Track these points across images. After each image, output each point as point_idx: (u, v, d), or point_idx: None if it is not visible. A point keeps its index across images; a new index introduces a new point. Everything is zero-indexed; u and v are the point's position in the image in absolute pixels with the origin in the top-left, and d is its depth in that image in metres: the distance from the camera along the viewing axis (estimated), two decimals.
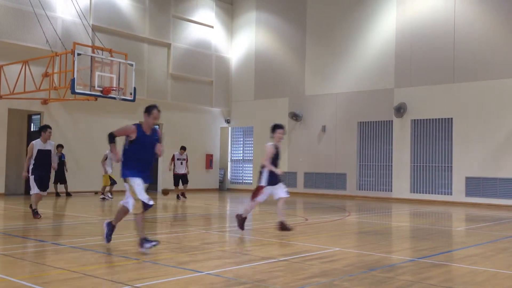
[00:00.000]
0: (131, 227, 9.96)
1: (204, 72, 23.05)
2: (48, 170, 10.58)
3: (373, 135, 19.86)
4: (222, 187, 23.99)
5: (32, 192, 10.44)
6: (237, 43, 24.18)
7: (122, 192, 7.90)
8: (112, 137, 6.71)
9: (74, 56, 14.33)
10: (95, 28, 18.72)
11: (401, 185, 18.90)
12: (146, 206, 6.63)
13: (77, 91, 14.46)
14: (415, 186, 18.65)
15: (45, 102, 17.49)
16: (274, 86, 22.74)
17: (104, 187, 16.57)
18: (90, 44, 17.40)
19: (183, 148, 17.57)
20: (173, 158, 17.41)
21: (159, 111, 7.01)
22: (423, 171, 18.53)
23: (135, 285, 4.89)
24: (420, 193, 18.49)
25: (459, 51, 17.83)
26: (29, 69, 16.11)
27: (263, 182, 8.82)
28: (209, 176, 23.53)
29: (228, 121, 24.26)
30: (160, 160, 21.50)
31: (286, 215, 12.87)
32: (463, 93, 17.71)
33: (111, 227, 7.17)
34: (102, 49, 15.74)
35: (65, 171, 17.57)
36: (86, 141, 18.95)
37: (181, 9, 22.21)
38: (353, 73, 20.36)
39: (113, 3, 19.68)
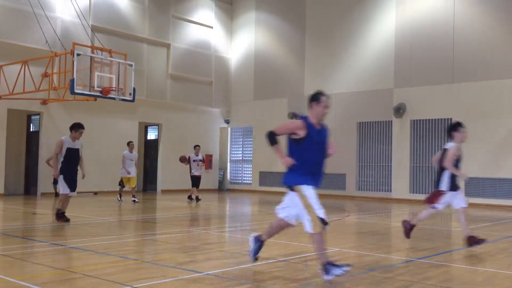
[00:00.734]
0: (129, 227, 9.97)
1: (203, 72, 23.04)
2: (77, 170, 10.06)
3: (373, 135, 19.86)
4: (222, 188, 23.98)
5: (61, 192, 9.92)
6: (237, 44, 24.18)
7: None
8: (273, 137, 5.40)
9: (73, 56, 14.32)
10: (94, 28, 18.71)
11: (401, 186, 18.90)
12: (324, 223, 5.41)
13: (76, 91, 14.46)
14: (414, 187, 18.65)
15: (44, 102, 17.48)
16: (274, 87, 22.74)
17: (124, 189, 16.24)
18: (89, 44, 17.39)
19: (197, 147, 17.12)
20: (188, 160, 16.81)
21: (328, 97, 5.55)
22: (422, 171, 18.53)
23: (134, 286, 4.89)
24: (419, 193, 18.48)
25: (458, 51, 17.84)
26: (29, 69, 16.10)
27: (444, 186, 7.76)
28: (208, 177, 23.50)
29: (227, 122, 24.25)
30: (159, 159, 21.52)
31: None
32: (462, 94, 17.72)
33: (259, 244, 5.92)
34: (101, 49, 15.74)
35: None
36: (85, 142, 18.74)
37: (180, 9, 22.21)
38: (353, 73, 20.36)
39: (112, 3, 19.68)
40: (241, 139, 24.12)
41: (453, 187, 7.76)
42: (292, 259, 6.51)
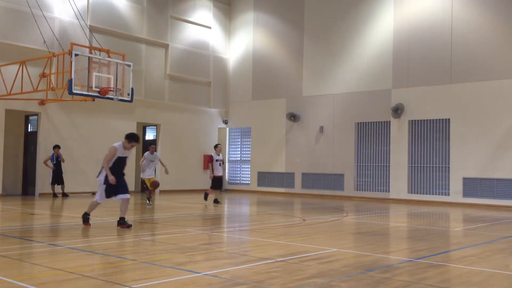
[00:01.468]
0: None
1: (202, 72, 23.04)
2: (121, 178, 9.40)
3: (371, 136, 19.88)
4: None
5: (98, 199, 9.43)
6: (235, 44, 24.18)
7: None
8: None
9: (71, 56, 14.32)
10: (92, 29, 18.70)
11: (399, 186, 18.92)
12: None
13: (74, 91, 14.45)
14: (412, 187, 18.67)
15: (42, 102, 17.47)
16: (272, 87, 22.75)
17: (149, 191, 14.90)
18: (87, 44, 17.39)
19: (219, 146, 16.02)
20: (211, 160, 15.66)
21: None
22: (420, 171, 18.56)
23: (132, 286, 4.89)
24: (417, 193, 18.51)
25: (456, 52, 17.87)
26: (27, 70, 16.09)
27: None
28: (206, 177, 23.46)
29: (225, 122, 24.25)
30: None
31: (284, 216, 12.89)
32: (460, 94, 17.75)
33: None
34: (99, 50, 15.73)
35: (62, 171, 17.54)
36: (83, 142, 18.93)
37: (178, 9, 22.20)
38: (351, 74, 20.38)
39: (110, 3, 19.67)
40: (239, 140, 24.13)
41: None
42: (289, 259, 6.51)
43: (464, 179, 17.48)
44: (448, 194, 17.82)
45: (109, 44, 18.33)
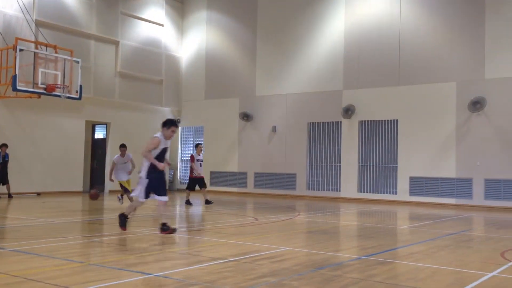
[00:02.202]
0: (74, 229, 9.65)
1: (153, 70, 22.70)
2: (164, 174, 8.62)
3: (323, 136, 20.20)
4: (172, 187, 23.70)
5: (136, 196, 8.43)
6: (188, 42, 23.97)
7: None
8: None
9: (16, 51, 13.78)
10: (38, 23, 18.03)
11: (349, 185, 19.32)
12: None
13: (18, 88, 13.93)
14: (362, 186, 19.12)
15: None
16: (225, 86, 22.70)
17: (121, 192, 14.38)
18: (33, 39, 16.75)
19: (200, 145, 15.68)
20: (192, 159, 15.27)
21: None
22: (369, 171, 19.03)
23: None
24: (367, 192, 18.98)
25: (403, 55, 18.44)
26: None
27: None
28: None
29: (178, 121, 24.00)
30: (107, 159, 21.01)
31: (236, 215, 12.88)
32: (407, 96, 18.32)
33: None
34: (46, 45, 15.22)
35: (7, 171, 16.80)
36: (28, 141, 18.21)
37: (129, 6, 21.77)
38: (303, 74, 20.63)
39: None
40: (192, 139, 23.93)
41: None
42: (242, 259, 6.50)
43: (411, 178, 18.07)
44: (396, 193, 18.35)
45: (56, 40, 17.74)
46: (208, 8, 23.39)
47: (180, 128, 24.06)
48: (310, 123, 20.43)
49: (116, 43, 21.17)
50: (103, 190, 20.68)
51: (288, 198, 19.79)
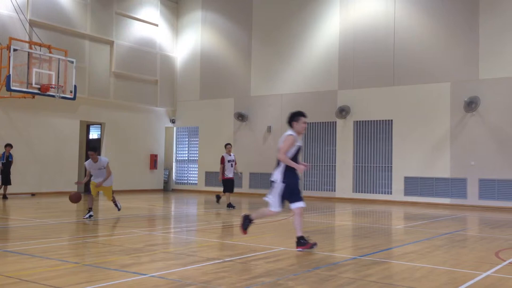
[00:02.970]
0: (69, 230, 9.62)
1: (148, 71, 22.65)
2: (299, 178, 7.46)
3: (318, 136, 20.22)
4: (167, 188, 23.66)
5: (273, 209, 7.30)
6: (183, 42, 23.93)
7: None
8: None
9: (9, 51, 13.72)
10: (33, 23, 17.95)
11: (344, 185, 19.36)
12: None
13: (12, 88, 13.87)
14: (357, 186, 19.16)
15: None
16: (220, 86, 22.68)
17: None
18: (27, 39, 16.68)
19: (229, 146, 14.93)
20: (222, 161, 14.59)
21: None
22: (364, 171, 19.06)
23: None
24: (362, 192, 19.01)
25: (398, 55, 18.50)
26: None
27: None
28: (153, 177, 23.15)
29: (173, 121, 23.96)
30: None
31: (232, 215, 12.87)
32: (402, 96, 18.38)
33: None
34: (40, 45, 15.16)
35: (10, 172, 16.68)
36: (22, 141, 18.11)
37: (124, 6, 21.71)
38: (298, 75, 20.65)
39: None
40: (187, 139, 23.91)
41: None
42: (237, 259, 6.50)
43: (406, 178, 18.12)
44: (391, 193, 18.40)
45: (51, 40, 17.67)
46: (203, 8, 23.36)
47: (174, 128, 24.02)
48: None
49: (111, 43, 21.11)
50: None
51: None
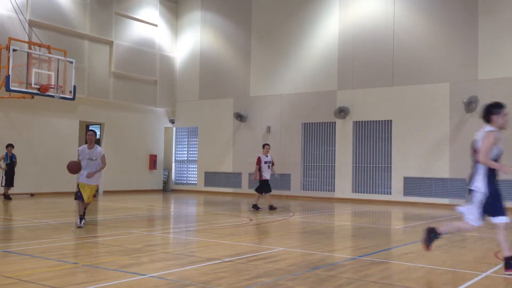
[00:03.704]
0: (68, 230, 9.62)
1: (148, 71, 22.65)
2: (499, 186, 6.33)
3: (317, 136, 20.22)
4: (166, 188, 23.66)
5: (472, 222, 6.17)
6: (182, 43, 23.93)
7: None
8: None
9: (9, 51, 13.71)
10: (32, 23, 17.95)
11: (343, 185, 19.35)
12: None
13: (12, 88, 13.85)
14: (356, 186, 19.15)
15: None
16: (219, 87, 22.68)
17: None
18: (26, 39, 16.67)
19: (267, 146, 14.31)
20: (259, 162, 14.07)
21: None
22: (364, 171, 19.06)
23: None
24: (361, 192, 19.01)
25: (397, 55, 18.50)
26: None
27: None
28: (152, 177, 23.14)
29: (172, 121, 23.96)
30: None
31: (231, 216, 12.87)
32: (401, 96, 18.38)
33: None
34: (39, 45, 15.15)
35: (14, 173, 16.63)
36: (22, 141, 18.10)
37: (123, 6, 21.71)
38: (298, 75, 20.65)
39: None
40: (186, 139, 23.90)
41: None
42: (236, 259, 6.50)
43: (405, 178, 18.12)
44: (390, 193, 18.40)
45: (50, 40, 17.65)
46: (202, 8, 23.37)
47: (174, 128, 24.02)
48: (305, 123, 20.45)
49: (110, 43, 21.10)
50: None
51: (283, 198, 19.79)
